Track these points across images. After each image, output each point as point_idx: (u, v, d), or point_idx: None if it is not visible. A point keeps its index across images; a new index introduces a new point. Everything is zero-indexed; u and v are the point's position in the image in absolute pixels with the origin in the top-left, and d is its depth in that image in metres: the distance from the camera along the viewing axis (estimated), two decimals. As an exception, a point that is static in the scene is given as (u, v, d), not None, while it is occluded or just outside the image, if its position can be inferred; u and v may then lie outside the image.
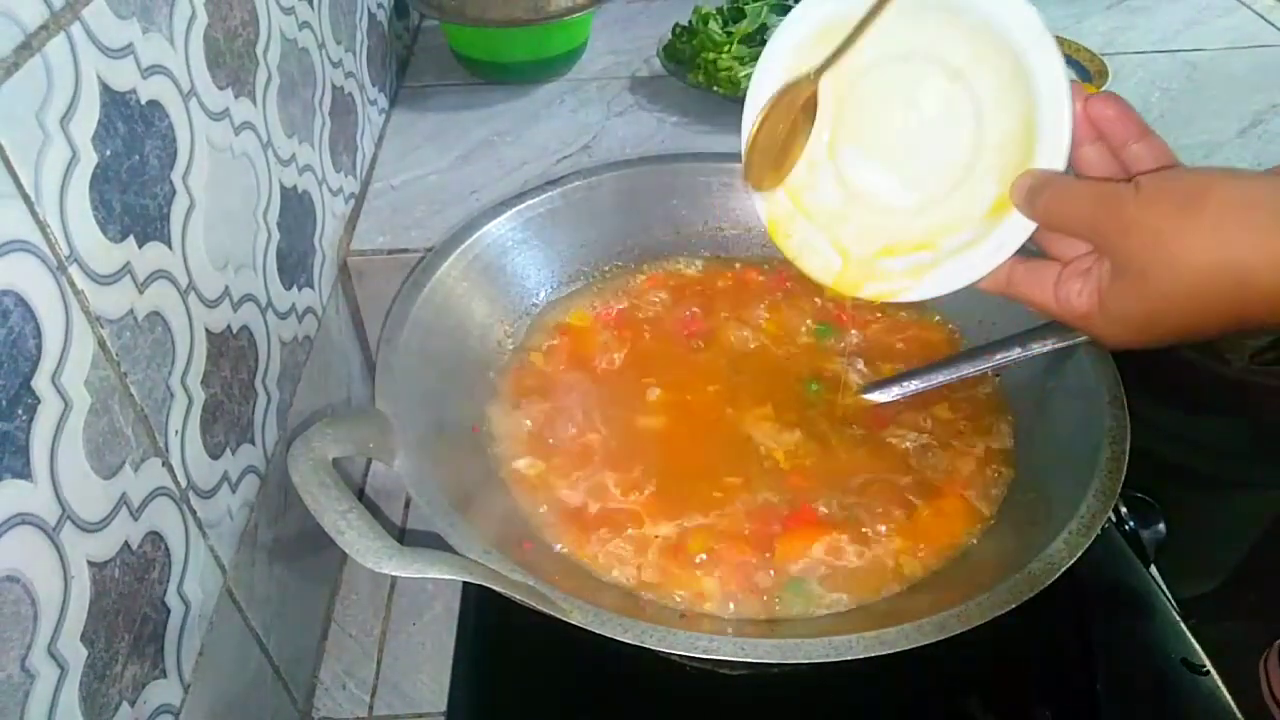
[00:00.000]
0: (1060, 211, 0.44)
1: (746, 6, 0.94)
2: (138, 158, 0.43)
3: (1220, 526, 0.92)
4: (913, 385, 0.61)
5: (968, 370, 0.60)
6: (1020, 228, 0.46)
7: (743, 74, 0.87)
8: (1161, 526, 0.63)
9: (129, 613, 0.42)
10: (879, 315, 0.69)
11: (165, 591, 0.45)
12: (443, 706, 0.60)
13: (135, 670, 0.42)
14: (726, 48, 0.90)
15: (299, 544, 0.62)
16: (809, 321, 0.69)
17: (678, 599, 0.52)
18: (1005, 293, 0.48)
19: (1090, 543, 0.47)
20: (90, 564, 0.39)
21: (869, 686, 0.54)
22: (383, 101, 0.90)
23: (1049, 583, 0.45)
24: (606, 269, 0.72)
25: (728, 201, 0.73)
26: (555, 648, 0.51)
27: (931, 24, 0.47)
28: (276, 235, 0.60)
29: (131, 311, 0.42)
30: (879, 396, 0.62)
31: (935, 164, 0.49)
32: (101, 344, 0.40)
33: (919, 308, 0.69)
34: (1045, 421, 0.59)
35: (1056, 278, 0.45)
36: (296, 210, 0.64)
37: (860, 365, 0.65)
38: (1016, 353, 0.59)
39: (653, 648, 0.43)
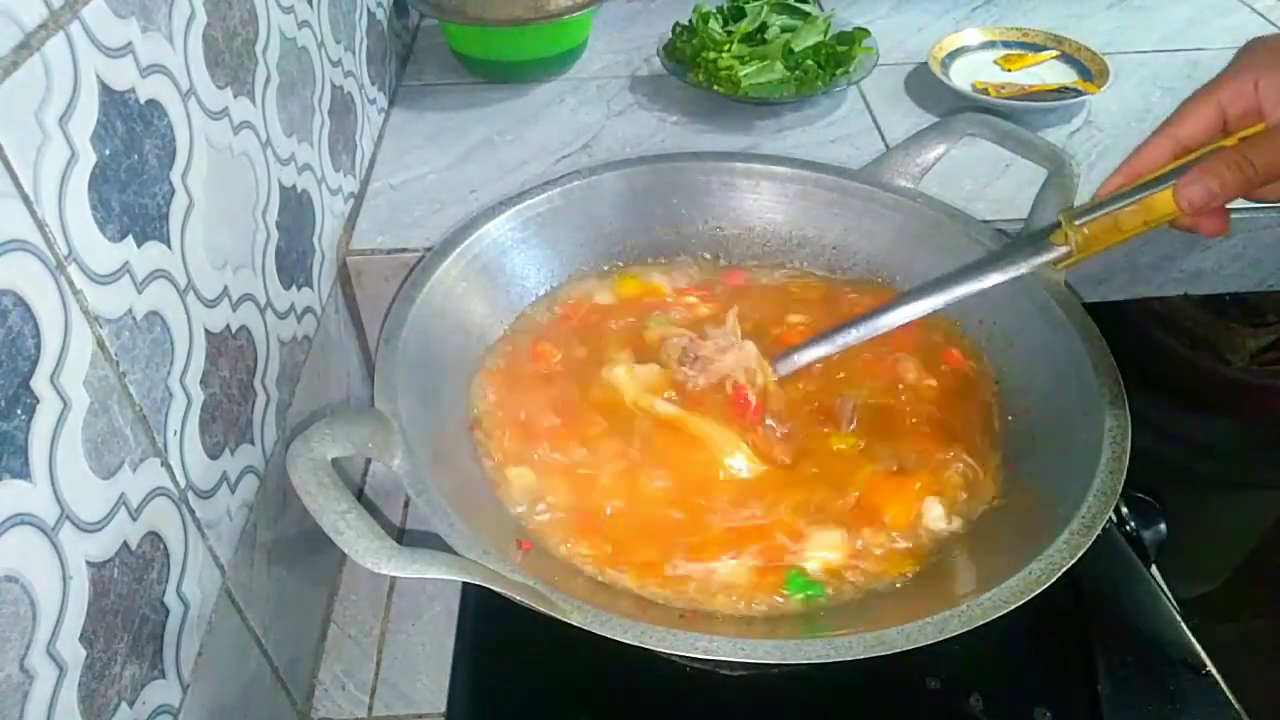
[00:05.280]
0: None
1: (746, 6, 0.94)
2: (136, 157, 0.43)
3: (1220, 526, 0.92)
4: (820, 351, 0.60)
5: (880, 326, 0.59)
6: None
7: (743, 73, 0.87)
8: (1162, 526, 0.63)
9: (128, 613, 0.41)
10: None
11: (164, 592, 0.45)
12: (442, 707, 0.60)
13: (134, 670, 0.42)
14: (726, 47, 0.89)
15: (298, 544, 0.62)
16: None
17: (677, 598, 0.52)
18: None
19: (1091, 543, 0.47)
20: (89, 564, 0.39)
21: (869, 687, 0.54)
22: (382, 101, 0.90)
23: (1049, 583, 0.45)
24: (606, 268, 0.72)
25: (728, 201, 0.73)
26: (555, 648, 0.51)
27: None
28: (275, 235, 0.60)
29: (130, 311, 0.42)
30: (783, 368, 0.61)
31: None
32: (100, 344, 0.40)
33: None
34: (1045, 422, 0.59)
35: None
36: (295, 210, 0.64)
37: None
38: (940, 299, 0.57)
39: (653, 648, 0.43)
